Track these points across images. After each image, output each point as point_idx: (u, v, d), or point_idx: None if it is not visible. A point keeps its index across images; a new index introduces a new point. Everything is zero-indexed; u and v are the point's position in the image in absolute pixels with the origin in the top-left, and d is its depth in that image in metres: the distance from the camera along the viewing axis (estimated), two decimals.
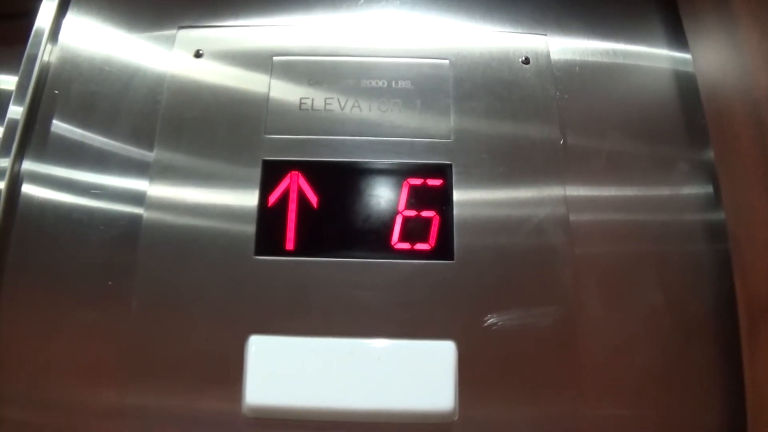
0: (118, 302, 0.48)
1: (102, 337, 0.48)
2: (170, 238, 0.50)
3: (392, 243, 0.50)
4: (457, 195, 0.51)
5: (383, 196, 0.51)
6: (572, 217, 0.51)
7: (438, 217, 0.50)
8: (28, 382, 0.47)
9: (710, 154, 0.52)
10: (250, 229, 0.50)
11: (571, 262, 0.49)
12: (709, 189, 0.52)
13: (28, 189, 0.51)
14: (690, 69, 0.55)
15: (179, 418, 0.46)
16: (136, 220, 0.50)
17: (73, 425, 0.47)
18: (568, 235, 0.50)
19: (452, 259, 0.49)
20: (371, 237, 0.50)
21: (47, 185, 0.51)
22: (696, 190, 0.52)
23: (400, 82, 0.54)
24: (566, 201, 0.51)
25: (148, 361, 0.47)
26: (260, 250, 0.49)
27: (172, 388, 0.47)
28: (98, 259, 0.49)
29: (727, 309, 0.48)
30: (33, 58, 0.55)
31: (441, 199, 0.51)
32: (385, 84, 0.54)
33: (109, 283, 0.49)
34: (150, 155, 0.52)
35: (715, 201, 0.51)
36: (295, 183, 0.51)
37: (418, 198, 0.51)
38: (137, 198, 0.51)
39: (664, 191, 0.52)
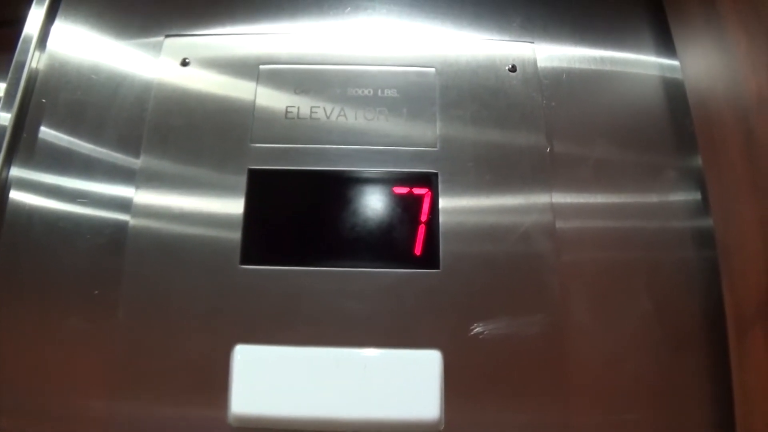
0: (105, 310, 0.48)
1: (89, 346, 0.48)
2: (156, 245, 0.49)
3: (378, 252, 0.50)
4: (443, 203, 0.51)
5: (369, 204, 0.51)
6: (559, 225, 0.50)
7: (424, 225, 0.50)
8: (14, 391, 0.47)
9: (698, 161, 0.52)
10: (236, 237, 0.50)
11: (558, 270, 0.49)
12: (697, 196, 0.52)
13: (15, 196, 0.51)
14: (678, 76, 0.55)
15: (166, 427, 0.46)
16: (122, 227, 0.50)
17: None
18: (554, 242, 0.50)
19: (438, 267, 0.49)
20: (356, 246, 0.50)
21: (35, 192, 0.51)
22: (684, 197, 0.52)
23: (386, 91, 0.54)
24: (553, 208, 0.51)
25: (135, 369, 0.47)
26: (245, 259, 0.49)
27: (158, 397, 0.47)
28: (85, 266, 0.49)
29: (716, 316, 0.48)
30: (21, 65, 0.54)
31: (427, 208, 0.50)
32: (371, 92, 0.54)
33: (96, 291, 0.48)
34: (137, 162, 0.52)
35: (703, 208, 0.51)
36: (281, 192, 0.51)
37: (404, 207, 0.51)
38: (124, 205, 0.51)
39: (651, 198, 0.52)
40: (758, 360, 0.44)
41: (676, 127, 0.54)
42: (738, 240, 0.47)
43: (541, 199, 0.51)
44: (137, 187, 0.51)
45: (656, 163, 0.53)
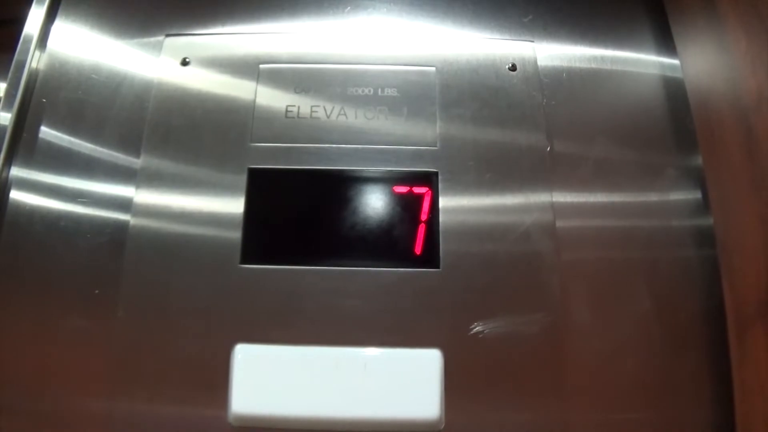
0: (105, 309, 0.48)
1: (89, 345, 0.48)
2: (156, 245, 0.49)
3: (378, 251, 0.50)
4: (443, 202, 0.50)
5: (369, 204, 0.51)
6: (559, 224, 0.50)
7: (424, 224, 0.50)
8: (13, 390, 0.47)
9: (698, 160, 0.52)
10: (236, 236, 0.50)
11: (558, 269, 0.49)
12: (697, 195, 0.52)
13: (16, 195, 0.51)
14: (678, 75, 0.55)
15: (166, 426, 0.46)
16: (122, 227, 0.50)
17: None
18: (554, 241, 0.50)
19: (438, 267, 0.49)
20: (357, 245, 0.50)
21: (35, 192, 0.51)
22: (684, 195, 0.52)
23: (386, 90, 0.54)
24: (553, 207, 0.51)
25: (135, 369, 0.47)
26: (246, 258, 0.49)
27: (158, 396, 0.46)
28: (85, 266, 0.49)
29: (716, 315, 0.48)
30: (21, 65, 0.54)
31: (427, 207, 0.50)
32: (372, 91, 0.54)
33: (96, 290, 0.48)
34: (137, 162, 0.52)
35: (703, 207, 0.51)
36: (281, 191, 0.51)
37: (404, 206, 0.51)
38: (124, 205, 0.51)
39: (652, 197, 0.52)
40: (758, 358, 0.44)
41: (676, 126, 0.54)
42: (738, 238, 0.47)
43: (541, 198, 0.51)
44: (137, 186, 0.51)
45: (656, 161, 0.53)
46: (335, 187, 0.51)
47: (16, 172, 0.52)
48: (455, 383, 0.46)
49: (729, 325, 0.47)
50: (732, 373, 0.47)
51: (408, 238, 0.50)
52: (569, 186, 0.52)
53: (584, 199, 0.52)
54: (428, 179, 0.51)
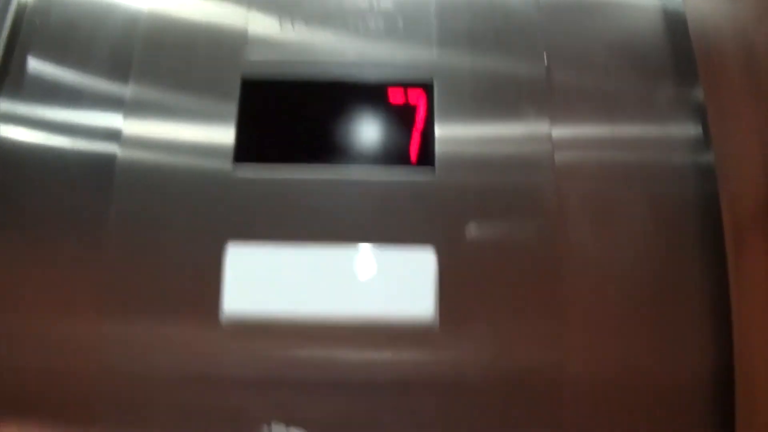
0: (96, 239, 0.47)
1: (81, 270, 0.47)
2: (146, 172, 0.49)
3: (373, 152, 0.49)
4: (439, 110, 0.50)
5: (365, 109, 0.50)
6: (555, 132, 0.50)
7: (419, 129, 0.50)
8: (5, 322, 0.46)
9: (699, 91, 0.51)
10: (229, 141, 0.49)
11: (554, 174, 0.49)
12: (697, 125, 0.51)
13: (3, 130, 0.50)
14: (679, 6, 0.55)
15: (160, 339, 0.46)
16: (111, 157, 0.49)
17: (52, 360, 0.46)
18: (550, 144, 0.49)
19: (433, 165, 0.49)
20: (353, 147, 0.50)
21: (23, 125, 0.50)
22: (684, 119, 0.51)
23: (381, 3, 0.54)
24: (550, 117, 0.50)
25: (127, 286, 0.46)
26: (239, 157, 0.49)
27: (151, 312, 0.46)
28: (75, 197, 0.48)
29: (714, 235, 0.47)
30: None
31: (422, 113, 0.50)
32: (367, 4, 0.54)
33: (86, 217, 0.48)
34: (126, 90, 0.51)
35: (703, 134, 0.50)
36: (275, 100, 0.51)
37: (400, 111, 0.50)
38: (113, 135, 0.50)
39: (650, 129, 0.51)
40: (755, 270, 0.44)
41: (677, 57, 0.53)
42: (735, 149, 0.47)
43: (539, 126, 0.50)
44: (125, 115, 0.50)
45: (656, 93, 0.52)
46: (331, 96, 0.51)
47: (3, 105, 0.51)
48: (449, 284, 0.46)
49: (726, 239, 0.47)
50: (730, 288, 0.46)
51: (403, 141, 0.49)
52: (567, 113, 0.51)
53: (582, 130, 0.51)
54: (424, 86, 0.51)
